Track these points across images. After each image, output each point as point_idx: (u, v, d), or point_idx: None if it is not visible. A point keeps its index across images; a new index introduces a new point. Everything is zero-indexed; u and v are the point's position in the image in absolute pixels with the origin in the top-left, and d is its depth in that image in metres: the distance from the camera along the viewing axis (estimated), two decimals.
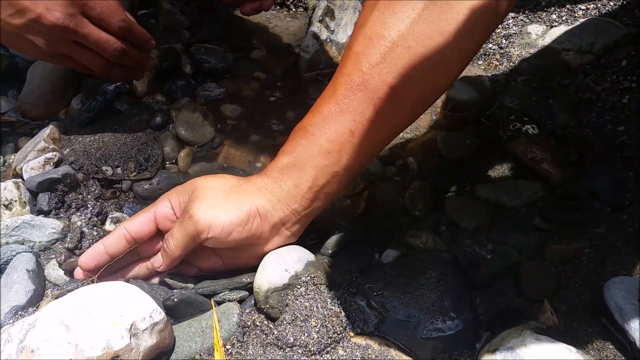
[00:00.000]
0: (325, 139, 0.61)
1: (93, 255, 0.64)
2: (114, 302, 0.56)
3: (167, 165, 0.83)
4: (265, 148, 0.86)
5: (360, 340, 0.60)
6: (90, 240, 0.69)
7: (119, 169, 0.79)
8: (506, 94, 0.89)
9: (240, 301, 0.65)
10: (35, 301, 0.64)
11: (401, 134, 0.86)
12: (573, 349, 0.55)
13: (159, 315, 0.58)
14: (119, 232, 0.64)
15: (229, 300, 0.64)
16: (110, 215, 0.73)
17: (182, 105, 0.91)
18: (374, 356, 0.59)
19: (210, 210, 0.61)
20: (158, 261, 0.66)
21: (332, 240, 0.71)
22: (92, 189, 0.75)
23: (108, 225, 0.72)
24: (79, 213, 0.72)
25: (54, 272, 0.67)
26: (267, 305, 0.61)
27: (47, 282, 0.67)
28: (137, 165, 0.79)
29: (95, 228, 0.71)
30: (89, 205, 0.74)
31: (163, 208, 0.65)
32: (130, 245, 0.65)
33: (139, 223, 0.65)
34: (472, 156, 0.82)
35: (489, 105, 0.88)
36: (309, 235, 0.71)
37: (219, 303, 0.64)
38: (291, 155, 0.63)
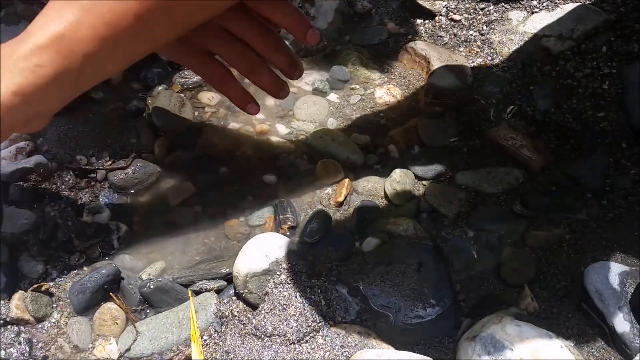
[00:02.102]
0: None
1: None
2: None
3: (143, 154, 0.81)
4: (244, 136, 0.85)
5: (340, 329, 0.59)
6: (65, 231, 0.68)
7: (94, 158, 0.77)
8: (487, 80, 0.89)
9: (218, 291, 0.64)
10: (6, 294, 0.63)
11: (382, 121, 0.86)
12: (553, 334, 0.55)
13: None
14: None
15: (207, 290, 0.63)
16: (86, 207, 0.71)
17: (158, 93, 0.89)
18: (353, 344, 0.58)
19: None
20: None
21: (312, 228, 0.70)
22: (66, 179, 0.73)
23: (85, 217, 0.70)
24: (52, 204, 0.71)
25: (26, 263, 0.65)
26: (246, 291, 0.60)
27: (19, 274, 0.66)
28: (112, 154, 0.78)
29: (69, 219, 0.69)
30: (62, 196, 0.72)
31: None
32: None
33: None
34: (453, 143, 0.81)
35: (469, 92, 0.87)
36: (288, 223, 0.71)
37: (196, 293, 0.63)
38: None
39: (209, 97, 0.92)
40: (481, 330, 0.56)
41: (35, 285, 0.64)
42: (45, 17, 0.52)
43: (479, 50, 0.95)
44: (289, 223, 0.71)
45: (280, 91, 0.70)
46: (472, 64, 0.92)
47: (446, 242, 0.68)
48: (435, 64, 0.90)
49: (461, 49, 0.95)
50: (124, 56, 0.56)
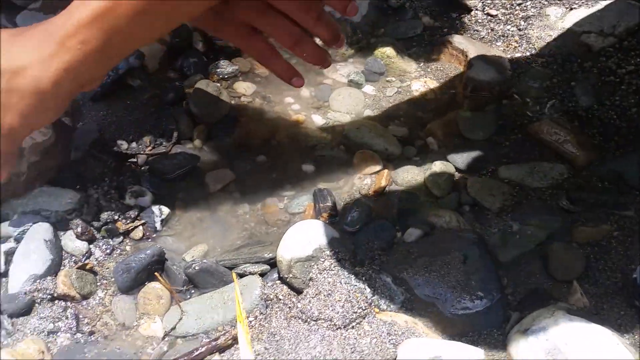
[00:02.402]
0: None
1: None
2: None
3: (182, 141, 0.81)
4: (281, 125, 0.84)
5: (386, 317, 0.59)
6: (109, 213, 0.68)
7: (134, 143, 0.77)
8: (527, 75, 0.88)
9: (262, 275, 0.63)
10: (52, 270, 0.63)
11: (419, 114, 0.85)
12: (608, 330, 0.54)
13: (43, 137, 0.65)
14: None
15: (251, 274, 0.62)
16: (129, 190, 0.71)
17: (195, 82, 0.89)
18: (400, 332, 0.57)
19: None
20: None
21: (353, 217, 0.69)
22: (108, 163, 0.73)
23: (128, 200, 0.70)
24: (95, 186, 0.70)
25: (70, 242, 0.66)
26: (290, 275, 0.59)
27: (64, 252, 0.66)
28: (152, 140, 0.77)
29: (113, 201, 0.69)
30: (105, 179, 0.72)
31: None
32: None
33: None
34: (494, 137, 0.80)
35: (509, 86, 0.86)
36: (328, 211, 0.70)
37: (240, 276, 0.62)
38: None
39: (244, 87, 0.91)
40: (532, 324, 0.55)
41: (80, 264, 0.64)
42: None
43: (517, 45, 0.94)
44: (329, 211, 0.71)
45: (324, 61, 0.71)
46: (511, 59, 0.91)
47: (491, 236, 0.67)
48: (472, 54, 0.89)
49: (499, 44, 0.95)
50: (163, 25, 0.59)
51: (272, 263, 0.64)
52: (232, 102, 0.88)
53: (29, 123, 0.57)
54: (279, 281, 0.62)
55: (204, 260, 0.62)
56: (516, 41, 0.94)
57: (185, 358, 0.54)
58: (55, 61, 0.54)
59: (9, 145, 0.58)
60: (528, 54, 0.92)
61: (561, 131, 0.77)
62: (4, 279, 0.64)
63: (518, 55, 0.92)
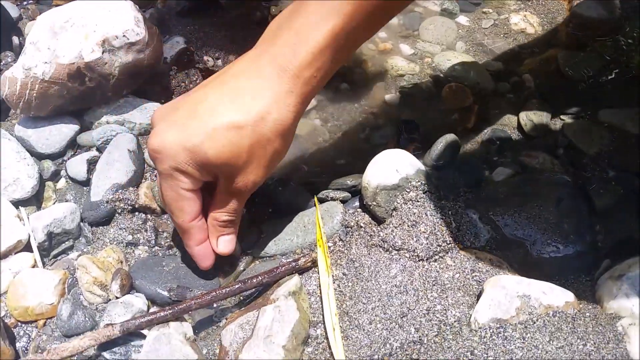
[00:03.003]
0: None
1: (205, 255, 0.56)
2: (95, 17, 0.64)
3: None
4: (366, 54, 0.81)
5: (470, 254, 0.57)
6: None
7: (220, 60, 0.76)
8: (637, 15, 0.81)
9: (343, 202, 0.62)
10: (134, 182, 0.63)
11: (517, 49, 0.80)
12: None
13: (136, 36, 0.62)
14: (192, 228, 0.54)
15: (332, 199, 0.61)
16: None
17: (281, 2, 0.86)
18: (484, 270, 0.55)
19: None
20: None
21: (440, 151, 0.66)
22: (194, 79, 0.73)
23: None
24: None
25: None
26: (374, 203, 0.58)
27: (146, 165, 0.66)
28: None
29: None
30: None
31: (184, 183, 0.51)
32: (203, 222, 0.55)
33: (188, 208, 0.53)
34: (596, 78, 0.75)
35: (617, 26, 0.79)
36: (415, 143, 0.68)
37: (321, 201, 0.61)
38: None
39: None
40: (629, 270, 0.52)
41: None
42: (314, 14, 0.48)
43: None
44: (416, 144, 0.68)
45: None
46: None
47: (586, 181, 0.64)
48: None
49: None
50: (376, 29, 0.55)
51: (354, 191, 0.62)
52: None
53: (271, 170, 0.53)
54: (360, 209, 0.61)
55: (290, 182, 0.61)
56: None
57: (265, 276, 0.54)
58: (294, 96, 0.50)
59: (243, 201, 0.54)
60: None
61: None
62: (86, 188, 0.65)
63: None
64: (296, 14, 0.50)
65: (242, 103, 0.49)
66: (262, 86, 0.49)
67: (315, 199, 0.61)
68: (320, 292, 0.54)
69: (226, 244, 0.55)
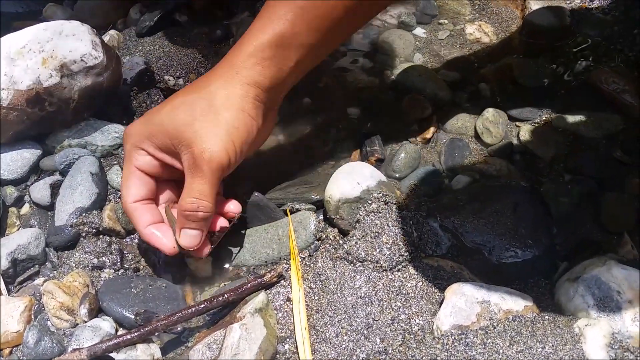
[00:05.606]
0: None
1: (157, 238, 0.57)
2: (52, 43, 0.64)
3: None
4: (326, 67, 0.83)
5: (432, 262, 0.58)
6: None
7: (181, 79, 0.76)
8: (587, 22, 0.83)
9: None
10: (98, 204, 0.63)
11: (472, 58, 0.82)
12: None
13: (94, 60, 0.65)
14: (136, 210, 0.57)
15: (298, 211, 0.62)
16: None
17: (241, 20, 0.87)
18: (446, 277, 0.57)
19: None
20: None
21: (400, 162, 0.68)
22: (155, 98, 0.73)
23: None
24: None
25: (117, 177, 0.66)
26: (337, 216, 0.59)
27: (110, 187, 0.66)
28: (199, 77, 0.77)
29: None
30: None
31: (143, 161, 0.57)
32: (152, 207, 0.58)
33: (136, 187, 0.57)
34: (549, 85, 0.77)
35: (567, 34, 0.82)
36: (376, 155, 0.69)
37: (291, 212, 0.62)
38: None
39: None
40: (584, 272, 0.54)
41: None
42: (263, 19, 0.55)
43: None
44: (377, 155, 0.70)
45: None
46: (571, 5, 0.86)
47: (542, 185, 0.66)
48: (532, 3, 0.85)
49: None
50: (332, 42, 0.60)
51: (318, 205, 0.63)
52: None
53: (236, 149, 0.55)
54: (324, 222, 0.62)
55: (255, 194, 0.61)
56: None
57: (231, 294, 0.55)
58: (239, 77, 0.55)
59: (208, 186, 0.54)
60: (589, 0, 0.87)
61: (620, 80, 0.73)
62: (50, 212, 0.65)
63: (579, 1, 0.87)
64: (257, 17, 0.57)
65: (196, 86, 0.56)
66: (214, 76, 0.56)
67: (288, 210, 0.62)
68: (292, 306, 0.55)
69: (188, 238, 0.55)
